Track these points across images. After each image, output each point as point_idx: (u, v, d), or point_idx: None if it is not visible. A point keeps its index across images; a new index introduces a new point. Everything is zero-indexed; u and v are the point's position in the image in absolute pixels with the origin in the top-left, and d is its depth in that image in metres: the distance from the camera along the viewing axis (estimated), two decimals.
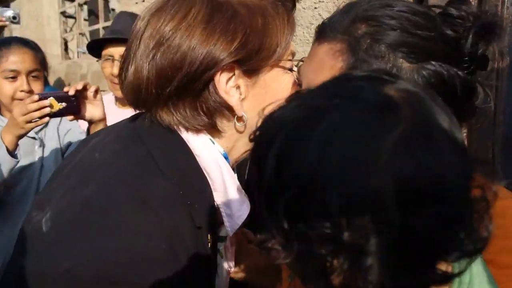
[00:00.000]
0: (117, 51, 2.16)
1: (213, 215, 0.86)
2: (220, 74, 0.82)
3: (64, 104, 1.73)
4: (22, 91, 2.01)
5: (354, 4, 0.84)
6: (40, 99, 1.70)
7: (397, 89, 0.53)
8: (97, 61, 2.33)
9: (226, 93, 0.84)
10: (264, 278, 1.19)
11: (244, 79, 0.86)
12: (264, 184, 0.54)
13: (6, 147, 1.76)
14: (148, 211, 0.75)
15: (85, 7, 5.07)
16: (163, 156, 0.83)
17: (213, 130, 0.89)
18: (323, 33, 0.86)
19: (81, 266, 0.71)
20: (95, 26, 4.56)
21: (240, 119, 0.87)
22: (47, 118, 1.73)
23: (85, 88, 1.75)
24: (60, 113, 1.75)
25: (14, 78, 2.01)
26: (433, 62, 0.76)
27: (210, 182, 0.86)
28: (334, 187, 0.48)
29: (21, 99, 1.95)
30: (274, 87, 0.90)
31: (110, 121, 1.70)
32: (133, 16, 2.29)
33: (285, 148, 0.52)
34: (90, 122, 1.79)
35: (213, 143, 0.89)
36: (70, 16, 5.32)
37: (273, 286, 1.12)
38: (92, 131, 1.78)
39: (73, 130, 2.19)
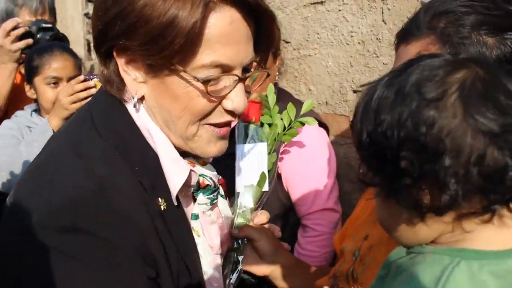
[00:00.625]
0: None
1: (160, 179, 0.92)
2: (116, 51, 0.88)
3: None
4: None
5: (428, 5, 0.96)
6: (85, 80, 1.85)
7: (470, 57, 0.68)
8: None
9: (124, 71, 0.90)
10: (293, 279, 1.23)
11: (144, 67, 0.89)
12: (354, 128, 0.71)
13: (53, 130, 1.93)
14: (82, 163, 0.86)
15: None
16: (101, 119, 0.92)
17: None
18: (408, 34, 0.96)
19: (25, 221, 0.81)
20: None
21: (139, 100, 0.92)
22: None
23: None
24: None
25: (56, 84, 2.15)
26: (510, 33, 0.87)
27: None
28: (407, 116, 0.63)
29: None
30: (175, 92, 0.88)
31: None
32: None
33: (368, 101, 0.69)
34: None
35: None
36: None
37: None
38: None
39: None
